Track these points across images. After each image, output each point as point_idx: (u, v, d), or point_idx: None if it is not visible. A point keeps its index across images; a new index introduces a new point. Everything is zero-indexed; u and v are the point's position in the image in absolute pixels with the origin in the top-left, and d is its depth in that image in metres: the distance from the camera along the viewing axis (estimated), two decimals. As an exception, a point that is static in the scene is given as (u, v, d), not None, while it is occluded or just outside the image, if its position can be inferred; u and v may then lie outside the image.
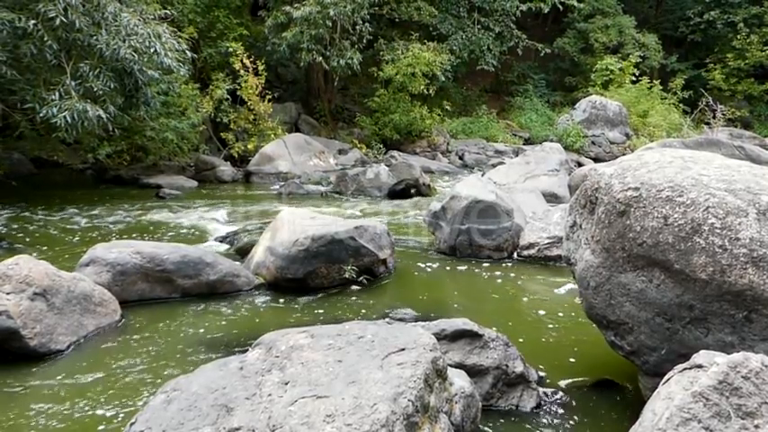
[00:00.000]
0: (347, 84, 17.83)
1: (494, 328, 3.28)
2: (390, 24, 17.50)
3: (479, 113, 19.25)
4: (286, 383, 2.15)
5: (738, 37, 21.20)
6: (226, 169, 11.69)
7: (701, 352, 2.11)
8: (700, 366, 2.01)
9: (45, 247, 5.96)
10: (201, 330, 3.92)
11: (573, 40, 21.98)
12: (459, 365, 2.91)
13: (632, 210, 2.58)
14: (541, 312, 4.39)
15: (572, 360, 3.58)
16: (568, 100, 21.37)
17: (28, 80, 7.73)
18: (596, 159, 15.41)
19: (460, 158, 15.51)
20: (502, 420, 2.87)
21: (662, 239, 2.48)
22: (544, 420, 2.89)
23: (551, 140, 15.14)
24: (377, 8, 14.79)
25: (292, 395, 2.06)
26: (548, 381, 3.27)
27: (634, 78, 19.94)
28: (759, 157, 7.39)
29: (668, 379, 2.09)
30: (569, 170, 9.63)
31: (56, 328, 3.53)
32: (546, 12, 18.73)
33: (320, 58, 13.39)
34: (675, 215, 2.46)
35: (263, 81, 13.22)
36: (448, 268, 5.56)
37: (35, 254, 5.46)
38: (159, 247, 4.61)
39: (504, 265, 5.69)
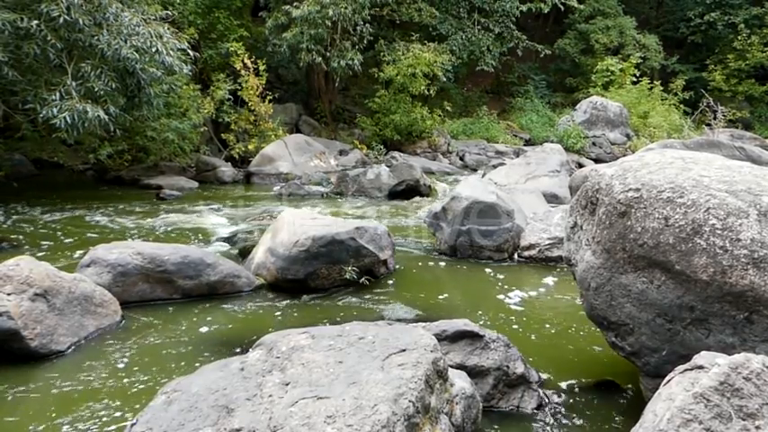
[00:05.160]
0: (348, 85, 17.84)
1: (494, 329, 3.28)
2: (391, 25, 17.51)
3: (480, 114, 19.26)
4: (287, 384, 2.15)
5: (739, 38, 21.21)
6: (226, 170, 11.69)
7: (702, 353, 2.11)
8: (701, 367, 2.00)
9: (46, 248, 5.97)
10: (202, 331, 3.92)
11: (573, 41, 21.99)
12: (459, 366, 2.91)
13: (633, 211, 2.58)
14: (542, 313, 4.39)
15: (573, 361, 3.58)
16: (569, 101, 21.38)
17: (29, 81, 7.73)
18: (597, 160, 15.40)
19: (461, 159, 15.51)
20: (503, 421, 2.87)
21: (663, 240, 2.48)
22: (545, 421, 2.89)
23: (552, 141, 15.15)
24: (377, 9, 14.79)
25: (293, 396, 2.06)
26: (549, 382, 3.27)
27: (635, 79, 19.95)
28: (760, 158, 7.38)
29: (669, 380, 2.09)
30: (570, 171, 9.62)
31: (56, 329, 3.54)
32: (546, 13, 18.74)
33: (320, 58, 13.39)
34: (676, 216, 2.46)
35: (264, 82, 13.23)
36: (448, 269, 5.56)
37: (36, 255, 5.47)
38: (160, 248, 4.61)
39: (504, 265, 5.69)
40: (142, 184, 10.47)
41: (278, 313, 4.33)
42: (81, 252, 5.41)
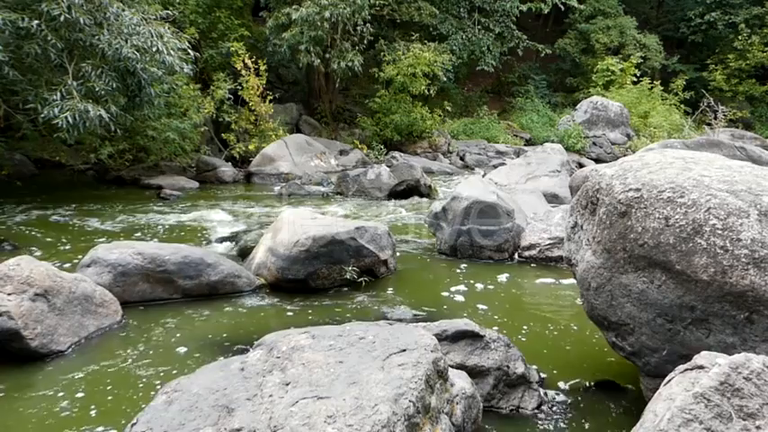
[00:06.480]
0: (348, 85, 17.85)
1: (495, 329, 3.28)
2: (391, 25, 17.52)
3: (480, 114, 19.27)
4: (287, 384, 2.15)
5: (739, 38, 21.22)
6: (227, 170, 11.69)
7: (703, 353, 2.10)
8: (701, 367, 2.00)
9: (46, 248, 5.97)
10: (202, 331, 3.92)
11: (574, 40, 22.01)
12: (460, 366, 2.91)
13: (633, 210, 2.58)
14: (542, 313, 4.39)
15: (573, 361, 3.57)
16: (569, 101, 21.40)
17: (30, 81, 7.73)
18: (597, 160, 15.41)
19: (461, 159, 15.51)
20: (503, 421, 2.87)
21: (663, 240, 2.48)
22: (545, 421, 2.89)
23: (552, 141, 15.16)
24: (377, 9, 14.80)
25: (293, 396, 2.06)
26: (549, 382, 3.27)
27: (635, 79, 19.97)
28: (760, 158, 7.38)
29: (669, 380, 2.09)
30: (570, 171, 9.62)
31: (57, 329, 3.54)
32: (546, 13, 18.75)
33: (318, 60, 13.39)
34: (677, 216, 2.46)
35: (265, 82, 13.24)
36: (449, 269, 5.56)
37: (36, 254, 5.47)
38: (160, 248, 4.61)
39: (505, 265, 5.69)
40: (143, 183, 10.47)
41: (278, 313, 4.33)
42: (81, 252, 5.41)
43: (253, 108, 13.12)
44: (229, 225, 7.40)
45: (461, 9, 17.93)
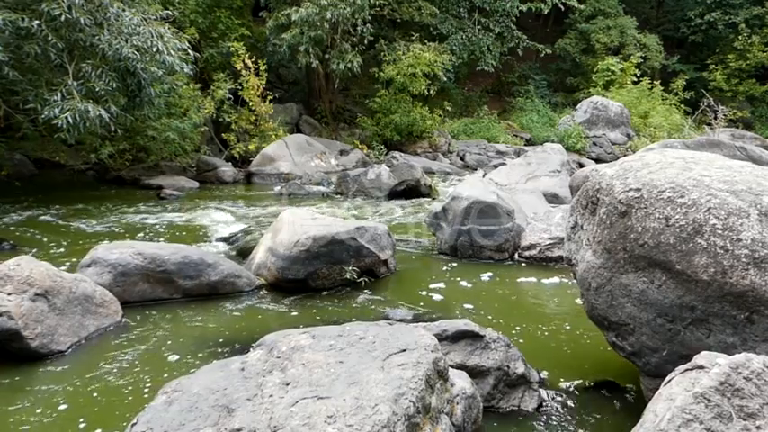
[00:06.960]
0: (348, 85, 17.85)
1: (495, 329, 3.28)
2: (391, 25, 17.53)
3: (480, 114, 19.26)
4: (287, 384, 2.15)
5: (740, 38, 21.23)
6: (227, 170, 11.69)
7: (703, 353, 2.10)
8: (701, 367, 2.00)
9: (46, 248, 5.97)
10: (203, 331, 3.92)
11: (574, 40, 22.01)
12: (460, 366, 2.91)
13: (633, 210, 2.58)
14: (543, 313, 4.39)
15: (573, 361, 3.57)
16: (570, 101, 21.40)
17: (30, 81, 7.74)
18: (597, 160, 15.41)
19: (462, 159, 15.51)
20: (503, 421, 2.87)
21: (663, 240, 2.48)
22: (545, 421, 2.89)
23: (552, 141, 15.16)
24: (377, 9, 14.79)
25: (293, 396, 2.06)
26: (549, 382, 3.27)
27: (635, 79, 19.97)
28: (760, 158, 7.38)
29: (670, 380, 2.09)
30: (570, 171, 9.61)
31: (57, 329, 3.54)
32: (546, 13, 18.75)
33: (317, 62, 13.38)
34: (677, 216, 2.46)
35: (265, 82, 13.24)
36: (449, 269, 5.56)
37: (36, 254, 5.47)
38: (160, 248, 4.61)
39: (505, 265, 5.69)
40: (143, 183, 10.47)
41: (278, 313, 4.33)
42: (81, 252, 5.41)
43: (253, 108, 13.12)
44: (229, 225, 7.40)
45: (461, 9, 17.94)
